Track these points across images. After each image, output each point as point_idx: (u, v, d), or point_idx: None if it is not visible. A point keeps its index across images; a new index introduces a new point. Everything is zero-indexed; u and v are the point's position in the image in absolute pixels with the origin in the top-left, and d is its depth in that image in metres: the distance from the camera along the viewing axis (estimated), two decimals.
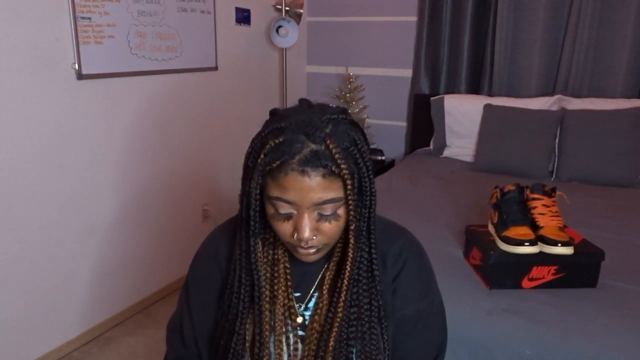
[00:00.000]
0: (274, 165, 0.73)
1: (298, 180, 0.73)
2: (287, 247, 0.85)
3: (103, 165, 2.18)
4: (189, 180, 2.68)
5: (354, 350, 0.84)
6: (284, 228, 0.78)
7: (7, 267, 1.88)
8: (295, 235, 0.77)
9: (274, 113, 0.80)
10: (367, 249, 0.83)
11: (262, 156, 0.75)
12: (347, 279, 0.82)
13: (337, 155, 0.73)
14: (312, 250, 0.80)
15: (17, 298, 1.93)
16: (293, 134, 0.73)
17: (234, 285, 0.87)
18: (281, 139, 0.73)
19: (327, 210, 0.76)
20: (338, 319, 0.83)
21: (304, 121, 0.74)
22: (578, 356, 1.21)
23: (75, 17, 1.93)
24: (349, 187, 0.75)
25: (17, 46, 1.80)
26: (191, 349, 0.95)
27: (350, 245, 0.81)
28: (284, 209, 0.76)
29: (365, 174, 0.76)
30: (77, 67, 1.98)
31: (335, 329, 0.83)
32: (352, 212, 0.77)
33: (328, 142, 0.73)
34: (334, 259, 0.87)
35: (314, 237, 0.77)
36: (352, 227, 0.79)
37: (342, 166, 0.73)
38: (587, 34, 2.72)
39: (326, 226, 0.77)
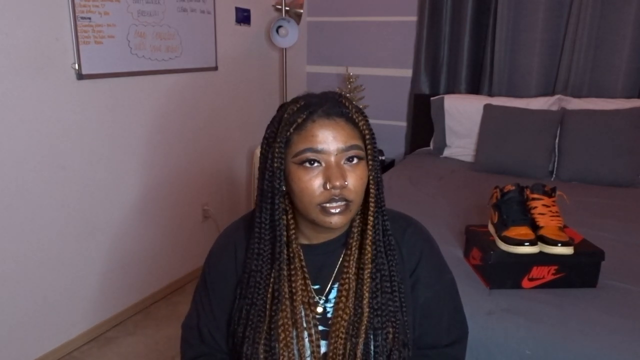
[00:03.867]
0: (299, 120, 0.81)
1: (325, 124, 0.81)
2: (311, 219, 0.84)
3: (103, 165, 2.18)
4: (189, 180, 2.68)
5: (381, 319, 0.86)
6: (314, 184, 0.80)
7: (6, 267, 1.88)
8: (328, 184, 0.79)
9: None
10: (378, 216, 0.88)
11: (285, 115, 0.82)
12: (369, 241, 0.87)
13: (354, 109, 0.84)
14: (340, 208, 0.80)
15: (17, 298, 1.93)
16: (312, 99, 0.84)
17: (255, 246, 0.89)
18: (302, 103, 0.83)
19: (352, 154, 0.81)
20: (367, 285, 0.86)
21: (318, 94, 0.86)
22: (578, 356, 1.21)
23: (75, 17, 1.93)
24: (367, 136, 0.84)
25: (17, 46, 1.80)
26: (210, 345, 0.96)
27: (371, 201, 0.86)
28: (313, 157, 0.80)
29: (374, 134, 0.86)
30: (77, 67, 1.98)
31: (366, 299, 0.86)
32: (370, 162, 0.84)
33: (344, 100, 0.84)
34: (355, 243, 0.89)
35: (346, 183, 0.80)
36: (370, 177, 0.85)
37: (360, 117, 0.84)
38: (587, 34, 2.72)
39: (352, 177, 0.81)
